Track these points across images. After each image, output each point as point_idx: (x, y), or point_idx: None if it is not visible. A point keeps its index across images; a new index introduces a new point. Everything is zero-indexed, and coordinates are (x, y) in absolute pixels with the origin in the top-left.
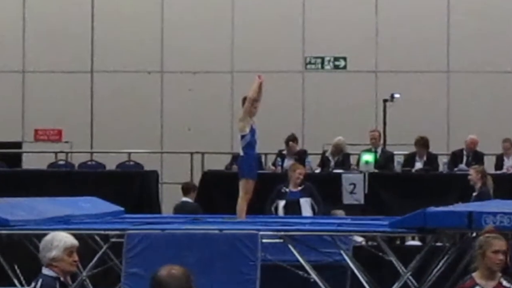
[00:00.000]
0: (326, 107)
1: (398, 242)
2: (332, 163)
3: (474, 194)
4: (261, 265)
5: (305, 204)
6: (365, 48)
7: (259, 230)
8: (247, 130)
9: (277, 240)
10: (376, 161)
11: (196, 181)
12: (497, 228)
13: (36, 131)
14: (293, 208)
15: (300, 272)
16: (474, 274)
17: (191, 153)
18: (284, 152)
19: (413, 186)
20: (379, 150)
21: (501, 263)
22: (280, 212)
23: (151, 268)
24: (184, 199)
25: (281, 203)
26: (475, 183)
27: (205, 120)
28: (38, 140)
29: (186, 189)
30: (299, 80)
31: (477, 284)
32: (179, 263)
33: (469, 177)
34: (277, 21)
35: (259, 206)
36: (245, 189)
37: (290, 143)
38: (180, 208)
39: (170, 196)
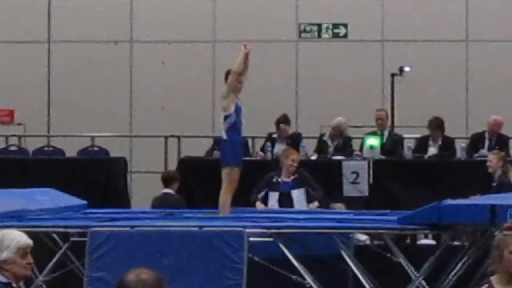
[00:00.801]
0: (323, 82)
1: (408, 241)
2: (331, 148)
3: (493, 184)
4: (248, 267)
5: (298, 197)
6: (370, 13)
7: (245, 226)
8: (232, 109)
9: (267, 239)
10: (382, 145)
11: (172, 169)
12: None
13: None
14: (285, 202)
15: (294, 276)
16: (492, 278)
17: (165, 137)
18: (275, 135)
19: (426, 175)
20: (386, 133)
21: None
22: (273, 206)
23: (118, 272)
24: (165, 190)
25: (274, 195)
26: (494, 171)
27: (182, 98)
28: None
29: (167, 179)
30: (292, 51)
31: None
32: (151, 266)
33: (488, 163)
34: None
35: (246, 198)
36: (229, 179)
37: (282, 125)
38: (160, 201)
39: (141, 187)
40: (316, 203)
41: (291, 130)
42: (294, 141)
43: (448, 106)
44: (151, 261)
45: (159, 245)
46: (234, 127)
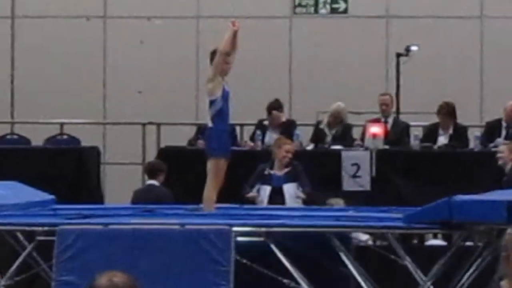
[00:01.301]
0: (320, 63)
1: (415, 241)
2: (329, 138)
3: (504, 178)
4: (235, 270)
5: (290, 192)
6: None
7: (232, 225)
8: (218, 93)
9: (256, 239)
10: (386, 134)
11: (150, 160)
12: None
13: None
14: (277, 197)
15: (286, 281)
16: (503, 283)
17: (143, 124)
18: (266, 123)
19: (435, 167)
20: (390, 120)
21: None
22: (265, 201)
23: (89, 275)
24: (150, 182)
25: (266, 189)
26: (505, 163)
27: (162, 81)
28: None
29: (152, 170)
30: (286, 29)
31: None
32: (126, 269)
33: (499, 154)
34: None
35: (233, 193)
36: (214, 171)
37: (274, 111)
38: (143, 194)
39: (116, 180)
40: (341, 200)
41: (284, 117)
42: (288, 129)
43: (460, 90)
44: (126, 264)
45: (136, 246)
46: (220, 114)
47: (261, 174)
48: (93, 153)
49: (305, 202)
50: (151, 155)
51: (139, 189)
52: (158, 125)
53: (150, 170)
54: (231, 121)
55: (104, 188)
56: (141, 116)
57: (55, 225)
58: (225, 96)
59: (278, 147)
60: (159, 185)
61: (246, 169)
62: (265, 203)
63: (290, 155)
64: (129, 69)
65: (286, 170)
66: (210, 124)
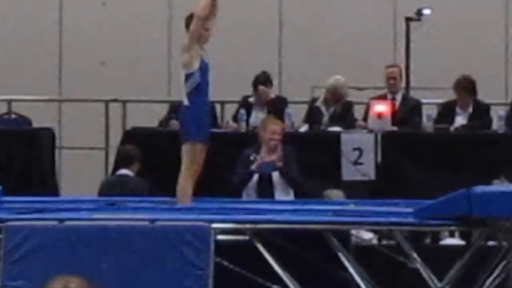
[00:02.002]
0: (316, 30)
1: (428, 240)
2: (326, 118)
3: None
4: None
5: (281, 181)
6: None
7: (211, 221)
8: (195, 66)
9: (240, 237)
10: (394, 114)
11: (115, 143)
12: None
13: None
14: (265, 187)
15: (275, 286)
16: None
17: (106, 102)
18: (252, 100)
19: (451, 152)
20: (399, 96)
21: None
22: (251, 192)
23: (41, 279)
24: (122, 172)
25: (253, 178)
26: None
27: (128, 51)
28: None
29: (124, 157)
30: None
31: None
32: (85, 272)
33: None
34: None
35: (213, 183)
36: (191, 157)
37: (261, 86)
38: (113, 186)
39: (74, 168)
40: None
41: (272, 93)
42: (277, 107)
43: (481, 61)
44: (85, 266)
45: (97, 245)
46: (198, 90)
47: (247, 161)
48: (47, 136)
49: (298, 193)
50: (116, 138)
51: (108, 180)
52: (124, 102)
53: (123, 158)
54: (211, 98)
55: (60, 177)
56: (103, 92)
57: (2, 220)
58: (204, 68)
59: (264, 129)
60: (133, 175)
61: (228, 155)
62: (252, 195)
63: (276, 137)
64: (89, 36)
65: (274, 156)
66: (186, 102)
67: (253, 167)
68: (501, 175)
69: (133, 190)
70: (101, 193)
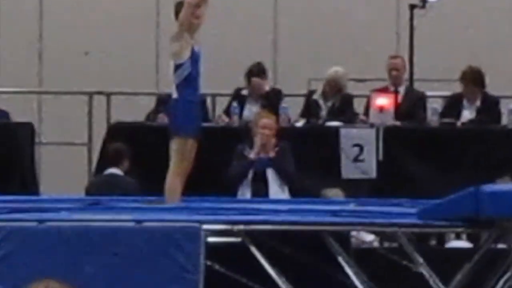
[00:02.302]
0: (313, 18)
1: (433, 242)
2: (324, 111)
3: None
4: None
5: (275, 179)
6: None
7: (201, 221)
8: (186, 55)
9: (232, 239)
10: (397, 107)
11: (98, 139)
12: None
13: None
14: (259, 185)
15: None
16: None
17: (90, 94)
18: (245, 92)
19: (458, 148)
20: (402, 89)
21: None
22: (246, 190)
23: (19, 284)
24: (111, 171)
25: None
26: None
27: (113, 40)
28: None
29: (114, 155)
30: None
31: None
32: (66, 276)
33: None
34: None
35: (203, 181)
36: (180, 153)
37: (255, 78)
38: (101, 185)
39: (55, 165)
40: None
41: (267, 85)
42: (272, 100)
43: (490, 51)
44: (66, 270)
45: (79, 247)
46: (188, 81)
47: (241, 155)
48: (26, 131)
49: (294, 192)
50: (99, 133)
51: (96, 179)
52: (108, 95)
53: (112, 156)
54: (202, 90)
55: (40, 175)
56: (87, 84)
57: None
58: (195, 58)
59: (256, 123)
60: (123, 174)
61: (219, 151)
62: (247, 193)
63: (268, 132)
64: (71, 23)
65: (269, 153)
66: (175, 94)
67: (252, 155)
68: (505, 174)
69: (123, 191)
70: (88, 192)
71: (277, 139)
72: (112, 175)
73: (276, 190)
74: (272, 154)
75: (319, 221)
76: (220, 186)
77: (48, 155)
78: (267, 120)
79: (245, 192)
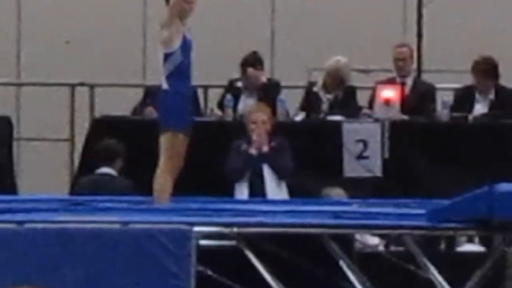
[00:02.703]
0: (314, 4)
1: (443, 246)
2: (325, 105)
3: None
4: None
5: (272, 176)
6: None
7: (192, 223)
8: (176, 44)
9: (226, 242)
10: (404, 100)
11: (81, 134)
12: None
13: None
14: (257, 183)
15: None
16: None
17: (72, 86)
18: (240, 84)
19: (470, 145)
20: (409, 80)
21: None
22: (243, 188)
23: None
24: (103, 170)
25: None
26: None
27: (97, 27)
28: None
29: (106, 154)
30: None
31: None
32: (47, 281)
33: None
34: None
35: (195, 180)
36: (170, 149)
37: (250, 69)
38: (92, 186)
39: (34, 162)
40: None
41: (264, 76)
42: (269, 93)
43: (503, 41)
44: (47, 274)
45: (61, 251)
46: (179, 71)
47: (239, 150)
48: (3, 125)
49: (292, 191)
50: (82, 128)
51: (86, 179)
52: (92, 86)
53: (104, 154)
54: (193, 81)
55: (19, 173)
56: (69, 75)
57: None
58: (186, 47)
59: (248, 117)
60: (116, 174)
61: (212, 146)
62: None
63: (264, 127)
64: (52, 11)
65: (265, 149)
66: (164, 86)
67: (252, 150)
68: None
69: (115, 190)
70: (74, 192)
71: (273, 134)
72: (105, 175)
73: (273, 187)
74: (265, 149)
75: (320, 224)
76: (213, 185)
77: (27, 151)
78: (260, 113)
79: (242, 190)
